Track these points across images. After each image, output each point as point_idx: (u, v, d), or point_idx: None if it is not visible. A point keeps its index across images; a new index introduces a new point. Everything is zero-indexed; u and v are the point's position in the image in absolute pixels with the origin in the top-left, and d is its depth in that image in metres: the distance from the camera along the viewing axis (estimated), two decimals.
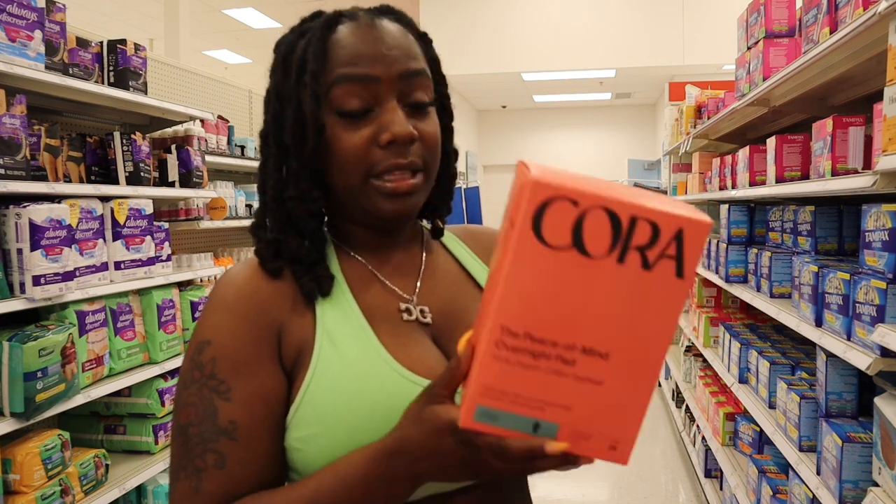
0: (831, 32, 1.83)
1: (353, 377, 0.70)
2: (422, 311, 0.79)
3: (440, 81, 0.81)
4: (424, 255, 0.85)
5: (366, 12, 0.77)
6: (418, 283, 0.82)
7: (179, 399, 0.72)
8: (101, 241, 2.44)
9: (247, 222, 3.84)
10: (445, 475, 0.62)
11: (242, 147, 4.00)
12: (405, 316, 0.78)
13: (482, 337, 0.55)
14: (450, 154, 0.85)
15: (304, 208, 0.76)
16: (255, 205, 4.13)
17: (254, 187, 4.03)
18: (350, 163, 0.73)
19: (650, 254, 0.53)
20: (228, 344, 0.71)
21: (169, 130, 3.23)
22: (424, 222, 0.90)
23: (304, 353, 0.72)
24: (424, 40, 0.81)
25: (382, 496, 0.64)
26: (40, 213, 2.09)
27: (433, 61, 0.81)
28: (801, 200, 2.46)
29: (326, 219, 0.83)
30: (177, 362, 2.78)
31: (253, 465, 0.69)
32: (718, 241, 3.12)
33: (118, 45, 2.69)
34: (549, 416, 0.55)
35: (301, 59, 0.75)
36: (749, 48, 2.70)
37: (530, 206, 0.52)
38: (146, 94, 2.82)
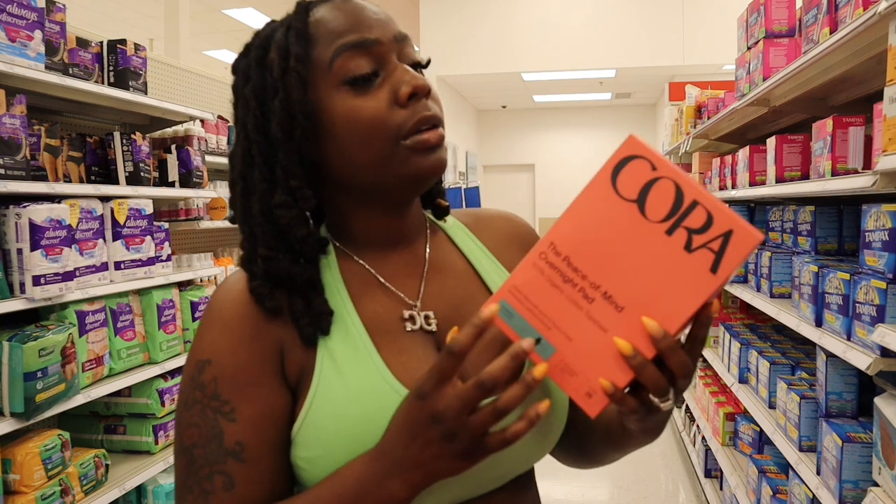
0: (831, 32, 1.82)
1: (355, 399, 0.68)
2: (426, 318, 0.75)
3: None
4: (428, 252, 0.81)
5: None
6: (422, 287, 0.78)
7: (181, 419, 0.69)
8: (101, 241, 2.44)
9: None
10: (439, 464, 0.61)
11: None
12: (409, 325, 0.74)
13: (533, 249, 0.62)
14: None
15: (292, 214, 0.71)
16: None
17: None
18: (376, 129, 0.70)
19: (696, 239, 0.57)
20: (229, 363, 0.68)
21: (169, 130, 3.23)
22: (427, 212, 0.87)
23: (307, 371, 0.70)
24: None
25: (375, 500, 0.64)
26: (40, 213, 2.09)
27: None
28: (801, 200, 2.46)
29: (327, 219, 0.80)
30: (177, 362, 2.78)
31: (262, 483, 0.68)
32: None
33: (118, 45, 2.69)
34: (551, 338, 0.60)
35: (283, 49, 0.72)
36: (749, 48, 2.70)
37: (618, 154, 0.60)
38: (146, 94, 2.82)
